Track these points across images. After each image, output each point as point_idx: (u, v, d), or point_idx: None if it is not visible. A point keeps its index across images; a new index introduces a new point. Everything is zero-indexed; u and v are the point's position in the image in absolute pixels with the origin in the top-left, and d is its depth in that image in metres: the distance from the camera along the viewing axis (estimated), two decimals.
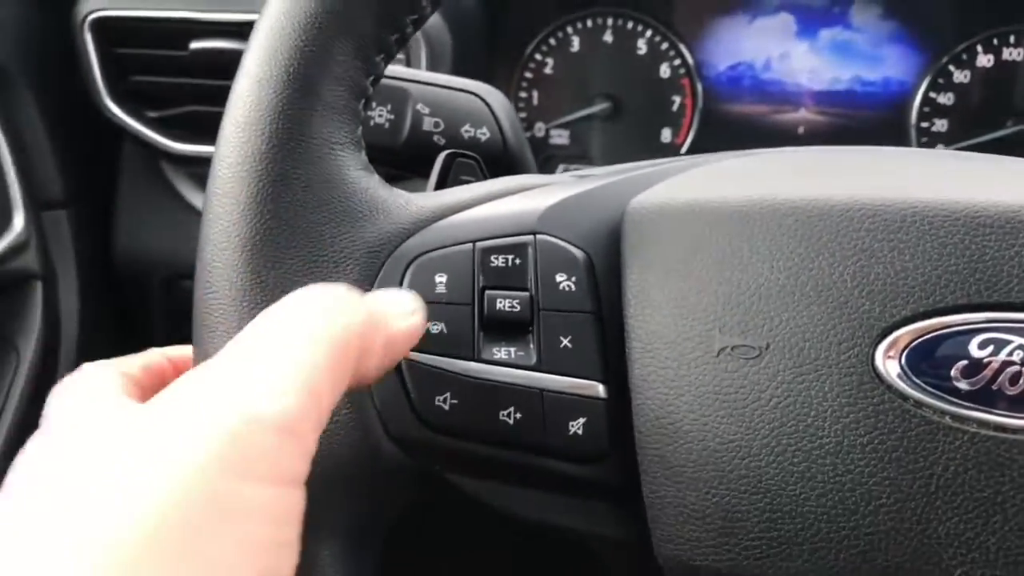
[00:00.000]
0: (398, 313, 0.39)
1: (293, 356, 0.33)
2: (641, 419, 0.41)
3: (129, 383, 0.42)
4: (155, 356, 0.47)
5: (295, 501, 0.31)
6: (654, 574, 0.43)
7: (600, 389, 0.43)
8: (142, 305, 1.02)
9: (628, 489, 0.42)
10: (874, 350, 0.38)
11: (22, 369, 0.94)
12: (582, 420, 0.42)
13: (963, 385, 0.38)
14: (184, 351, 0.48)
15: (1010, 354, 0.37)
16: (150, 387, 0.43)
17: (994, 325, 0.38)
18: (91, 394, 0.39)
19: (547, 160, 1.03)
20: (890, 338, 0.38)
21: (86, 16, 0.90)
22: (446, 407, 0.42)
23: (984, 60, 0.93)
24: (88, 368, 0.42)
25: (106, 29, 0.91)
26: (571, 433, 0.42)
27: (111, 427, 0.31)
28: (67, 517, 0.28)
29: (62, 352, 0.98)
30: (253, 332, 0.34)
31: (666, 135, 1.00)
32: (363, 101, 0.46)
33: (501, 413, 0.42)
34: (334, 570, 0.43)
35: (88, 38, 0.91)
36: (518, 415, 0.42)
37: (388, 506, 0.46)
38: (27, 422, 0.94)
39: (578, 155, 1.02)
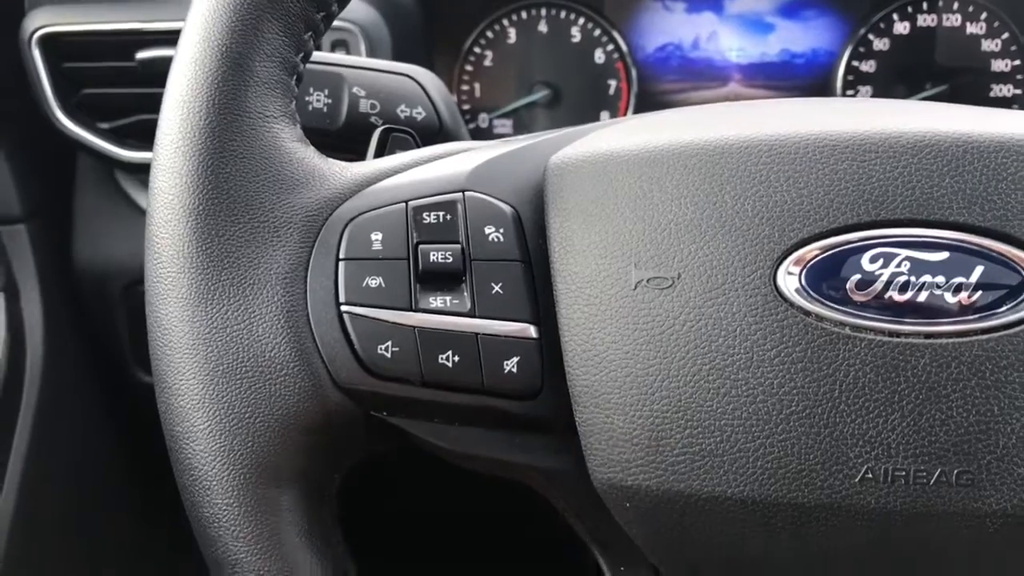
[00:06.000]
0: None
1: None
2: (570, 354, 0.44)
3: None
4: None
5: None
6: (593, 502, 0.46)
7: (531, 330, 0.46)
8: (104, 313, 1.04)
9: (563, 421, 0.45)
10: (775, 271, 0.42)
11: None
12: (516, 359, 0.45)
13: (858, 297, 0.41)
14: None
15: (898, 265, 0.41)
16: None
17: (882, 240, 0.41)
18: None
19: None
20: (790, 259, 0.42)
21: (33, 32, 0.92)
22: (388, 355, 0.45)
23: (901, 27, 0.97)
24: None
25: (54, 44, 0.93)
26: (506, 372, 0.45)
27: None
28: None
29: (28, 364, 0.99)
30: None
31: (605, 118, 1.04)
32: (295, 77, 0.49)
33: (440, 357, 0.45)
34: (293, 516, 0.46)
35: (36, 54, 0.93)
36: (456, 358, 0.45)
37: (342, 454, 0.48)
38: None
39: None
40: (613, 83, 1.03)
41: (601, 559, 0.51)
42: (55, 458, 1.03)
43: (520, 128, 1.05)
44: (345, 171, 0.49)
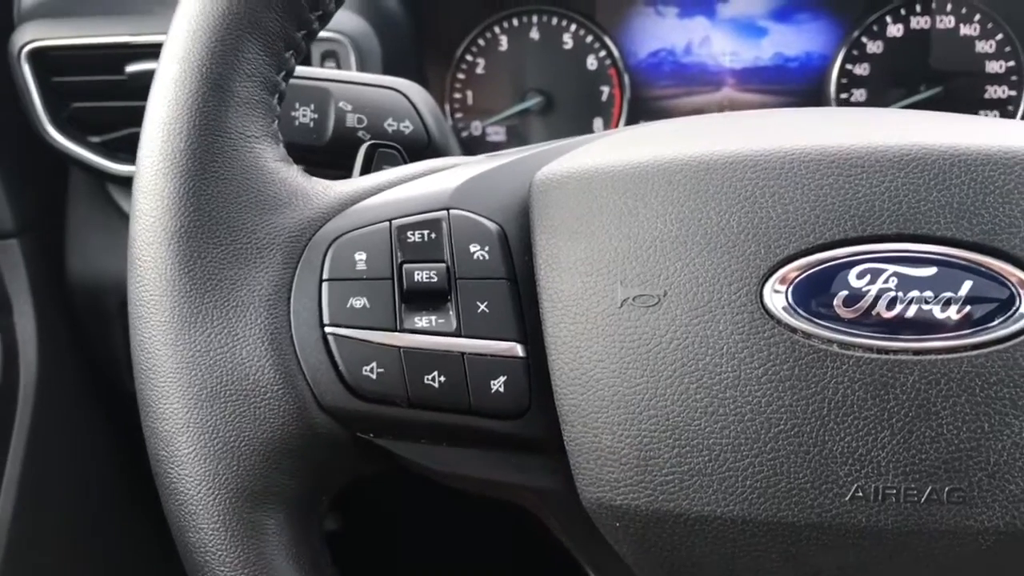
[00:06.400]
0: None
1: None
2: (557, 373, 0.44)
3: None
4: None
5: None
6: (584, 521, 0.45)
7: (518, 349, 0.45)
8: (99, 328, 1.04)
9: (552, 440, 0.45)
10: (762, 288, 0.41)
11: None
12: (503, 379, 0.45)
13: (846, 314, 0.41)
14: None
15: (886, 281, 0.40)
16: None
17: (869, 256, 0.41)
18: None
19: None
20: (776, 276, 0.41)
21: (22, 47, 0.91)
22: (373, 376, 0.45)
23: (894, 30, 0.97)
24: None
25: (43, 59, 0.92)
26: (493, 391, 0.45)
27: None
28: None
29: (21, 379, 0.99)
30: None
31: (598, 124, 1.03)
32: (277, 96, 0.48)
33: (426, 378, 0.45)
34: (280, 539, 0.46)
35: (25, 69, 0.92)
36: (442, 378, 0.45)
37: (329, 477, 0.48)
38: None
39: None
40: (606, 89, 1.03)
41: None
42: (50, 473, 1.03)
43: (513, 135, 1.05)
44: (328, 190, 0.48)
